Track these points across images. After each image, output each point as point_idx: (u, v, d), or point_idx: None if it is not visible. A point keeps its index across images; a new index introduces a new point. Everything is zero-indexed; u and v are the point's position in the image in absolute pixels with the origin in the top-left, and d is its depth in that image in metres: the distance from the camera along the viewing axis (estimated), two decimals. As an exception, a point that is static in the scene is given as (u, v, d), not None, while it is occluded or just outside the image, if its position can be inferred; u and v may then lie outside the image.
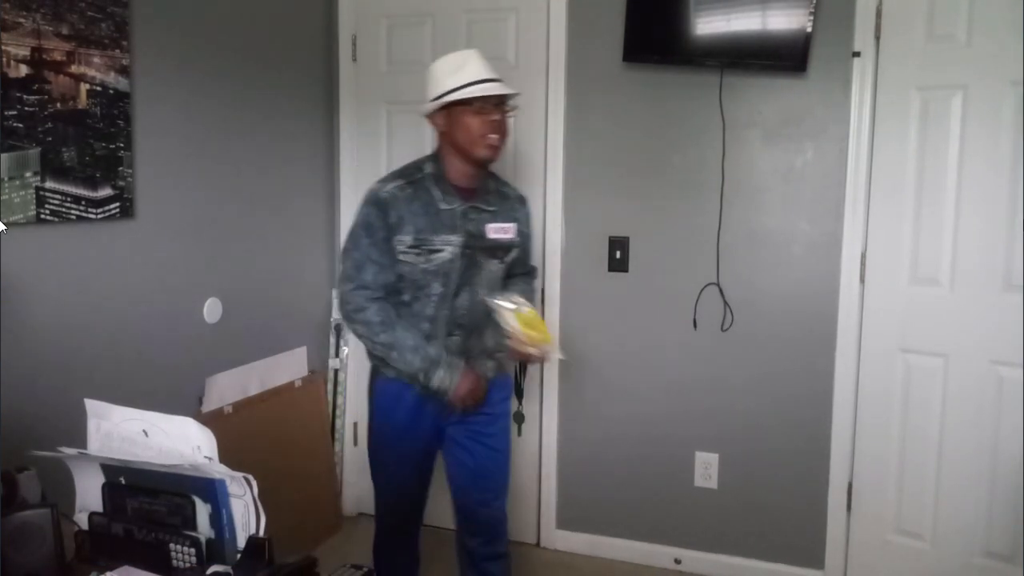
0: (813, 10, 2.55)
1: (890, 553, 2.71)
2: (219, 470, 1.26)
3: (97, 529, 1.37)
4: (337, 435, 3.29)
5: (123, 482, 1.37)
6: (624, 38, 2.74)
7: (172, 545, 1.29)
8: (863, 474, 2.74)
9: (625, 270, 2.94)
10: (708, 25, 2.66)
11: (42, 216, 2.08)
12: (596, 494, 3.07)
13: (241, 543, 1.29)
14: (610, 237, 2.94)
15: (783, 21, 2.59)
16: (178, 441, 1.31)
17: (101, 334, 2.27)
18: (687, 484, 2.96)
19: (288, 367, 3.04)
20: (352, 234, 2.11)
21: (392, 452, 2.21)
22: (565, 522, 3.13)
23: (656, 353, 2.94)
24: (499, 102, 2.04)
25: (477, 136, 2.01)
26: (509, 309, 2.04)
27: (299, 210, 3.11)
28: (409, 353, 2.05)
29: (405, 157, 3.20)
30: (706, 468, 2.93)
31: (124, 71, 2.27)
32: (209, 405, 2.65)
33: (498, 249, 2.16)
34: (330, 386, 3.27)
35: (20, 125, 2.00)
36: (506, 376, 2.32)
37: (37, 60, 2.03)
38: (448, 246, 2.06)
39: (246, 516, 1.29)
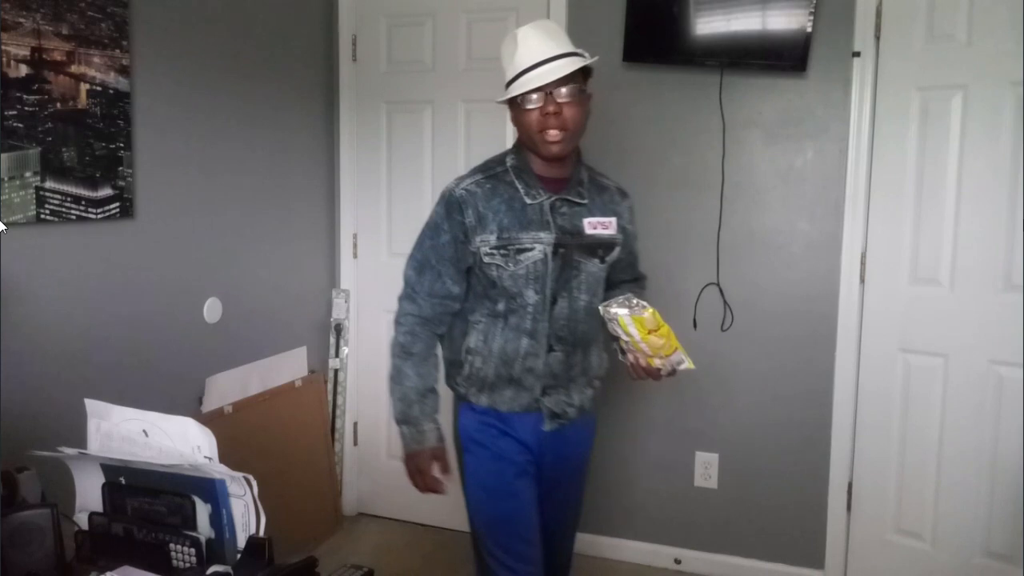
0: (813, 10, 2.55)
1: (890, 553, 2.71)
2: (219, 470, 1.26)
3: (97, 529, 1.37)
4: (337, 435, 3.29)
5: (123, 482, 1.37)
6: (624, 38, 2.74)
7: (172, 545, 1.29)
8: (863, 474, 2.74)
9: (625, 270, 2.94)
10: (708, 25, 2.67)
11: (42, 216, 2.08)
12: (595, 494, 3.07)
13: (241, 543, 1.29)
14: (610, 237, 2.94)
15: (783, 21, 2.59)
16: (178, 441, 1.31)
17: (101, 334, 2.27)
18: (687, 484, 2.96)
19: (288, 367, 3.04)
20: (420, 236, 1.88)
21: (502, 488, 1.86)
22: (565, 522, 3.13)
23: (656, 353, 2.94)
24: (558, 85, 1.72)
25: (534, 132, 1.76)
26: (626, 313, 1.70)
27: (299, 210, 3.11)
28: (397, 391, 1.84)
29: (405, 157, 3.24)
30: (706, 468, 2.93)
31: (124, 71, 2.27)
32: (209, 405, 2.65)
33: (597, 247, 1.86)
34: (330, 386, 3.27)
35: (20, 125, 2.00)
36: (592, 416, 2.01)
37: (37, 60, 2.03)
38: (538, 244, 1.79)
39: (246, 516, 1.29)
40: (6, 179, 1.97)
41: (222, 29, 2.66)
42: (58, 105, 2.10)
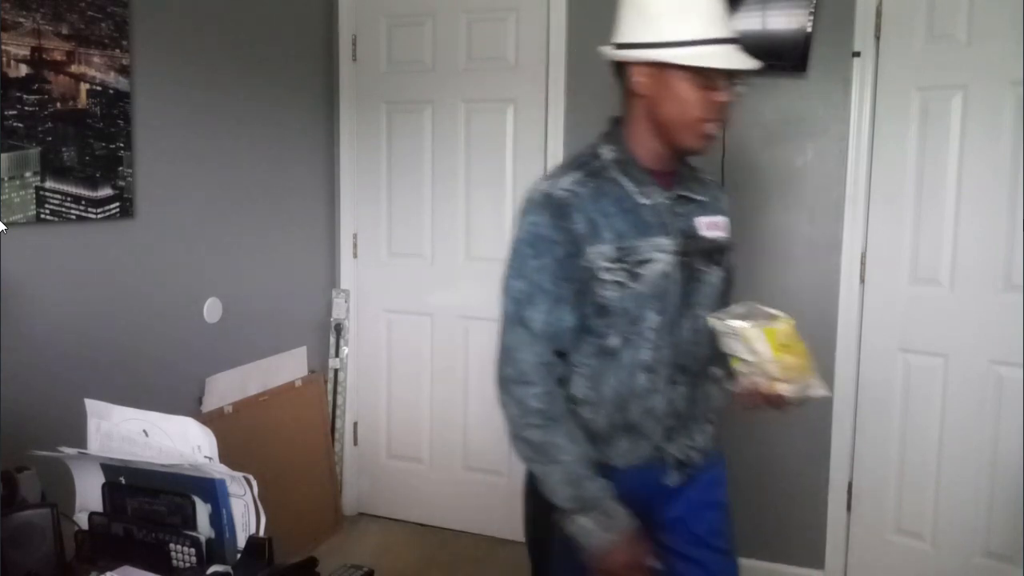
0: (813, 10, 2.55)
1: (890, 553, 2.71)
2: (219, 470, 1.26)
3: (97, 529, 1.37)
4: (337, 435, 3.28)
5: (123, 482, 1.37)
6: (624, 38, 2.73)
7: (172, 545, 1.29)
8: (863, 474, 2.74)
9: (625, 270, 2.93)
10: (708, 25, 2.66)
11: (42, 216, 2.08)
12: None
13: (241, 543, 1.29)
14: (610, 237, 2.93)
15: (783, 21, 2.59)
16: (178, 441, 1.31)
17: (101, 334, 2.27)
18: (687, 484, 2.95)
19: (288, 367, 3.04)
20: (514, 256, 1.46)
21: None
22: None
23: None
24: (732, 75, 1.43)
25: (693, 119, 1.43)
26: (751, 326, 1.38)
27: (299, 210, 3.11)
28: (556, 473, 1.41)
29: (405, 157, 3.24)
30: (706, 468, 2.92)
31: (124, 71, 2.27)
32: (209, 405, 2.65)
33: (715, 252, 1.57)
34: (330, 386, 3.27)
35: (20, 125, 2.00)
36: (718, 455, 1.66)
37: (37, 60, 2.03)
38: (660, 253, 1.45)
39: (246, 516, 1.29)
40: (6, 179, 1.98)
41: (222, 29, 2.66)
42: (58, 105, 2.10)
